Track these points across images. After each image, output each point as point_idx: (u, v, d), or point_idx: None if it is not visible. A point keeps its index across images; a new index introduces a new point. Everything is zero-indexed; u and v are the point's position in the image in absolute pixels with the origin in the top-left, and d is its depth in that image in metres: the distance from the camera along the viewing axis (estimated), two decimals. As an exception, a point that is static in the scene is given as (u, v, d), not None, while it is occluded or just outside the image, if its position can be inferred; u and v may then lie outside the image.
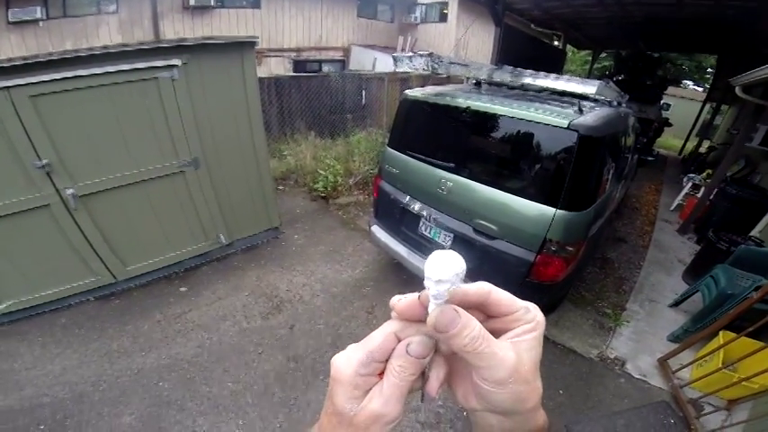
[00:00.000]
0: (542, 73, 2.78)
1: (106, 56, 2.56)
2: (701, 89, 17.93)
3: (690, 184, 6.26)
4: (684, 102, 16.78)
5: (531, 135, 2.32)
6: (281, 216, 4.36)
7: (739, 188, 4.84)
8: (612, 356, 2.96)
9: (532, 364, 0.34)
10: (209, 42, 2.94)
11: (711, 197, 5.03)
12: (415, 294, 0.36)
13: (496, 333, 0.35)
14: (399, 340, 0.35)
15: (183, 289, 3.39)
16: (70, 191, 2.72)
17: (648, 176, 8.01)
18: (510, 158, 2.56)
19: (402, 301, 0.36)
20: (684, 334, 3.07)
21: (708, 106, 11.15)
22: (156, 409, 2.34)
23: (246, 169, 3.60)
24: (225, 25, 9.76)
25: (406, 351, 0.34)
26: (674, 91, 16.69)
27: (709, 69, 15.20)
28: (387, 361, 0.35)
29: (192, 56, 2.88)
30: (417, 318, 0.35)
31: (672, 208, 6.37)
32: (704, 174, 6.35)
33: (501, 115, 2.43)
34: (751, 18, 5.23)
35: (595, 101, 2.96)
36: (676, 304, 3.58)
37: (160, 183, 3.11)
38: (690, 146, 11.17)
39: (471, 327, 0.33)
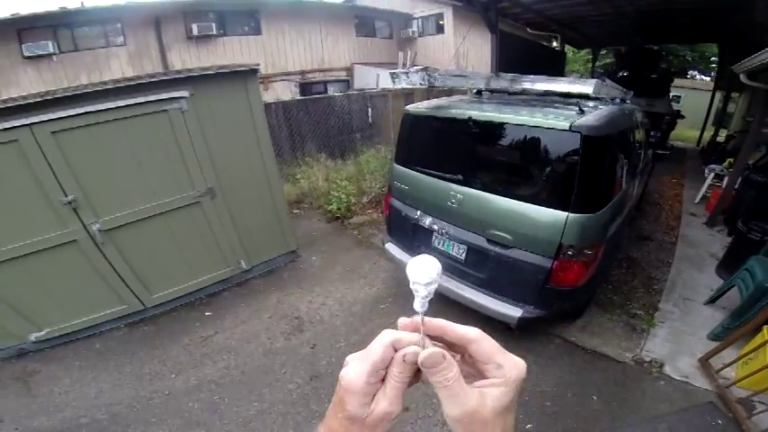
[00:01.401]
0: (540, 76, 2.79)
1: (118, 90, 2.68)
2: (708, 78, 17.48)
3: (712, 175, 6.07)
4: (695, 92, 16.39)
5: (536, 140, 2.32)
6: (299, 239, 4.44)
7: (764, 175, 4.65)
8: (649, 359, 2.83)
9: (494, 412, 0.37)
10: (212, 72, 3.05)
11: (737, 186, 4.85)
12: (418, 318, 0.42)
13: (481, 373, 0.40)
14: (396, 349, 0.40)
15: (207, 314, 3.47)
16: (96, 226, 2.86)
17: (668, 170, 7.80)
18: (517, 165, 2.56)
19: (408, 322, 0.43)
20: (724, 331, 2.92)
21: (718, 95, 10.87)
22: (187, 429, 2.40)
23: (261, 195, 3.70)
24: (229, 53, 10.11)
25: (403, 359, 0.40)
26: (683, 82, 16.35)
27: (713, 58, 14.84)
28: (386, 367, 0.41)
29: (197, 87, 2.99)
30: (415, 329, 0.41)
31: (696, 200, 6.16)
32: (726, 163, 6.15)
33: (503, 123, 2.44)
34: (745, 4, 5.13)
35: (598, 100, 2.95)
36: (712, 301, 3.42)
37: (179, 213, 3.23)
38: (707, 136, 10.86)
39: (450, 370, 0.38)
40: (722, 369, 2.58)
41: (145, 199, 3.05)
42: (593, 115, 2.30)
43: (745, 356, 2.51)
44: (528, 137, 2.35)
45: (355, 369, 0.40)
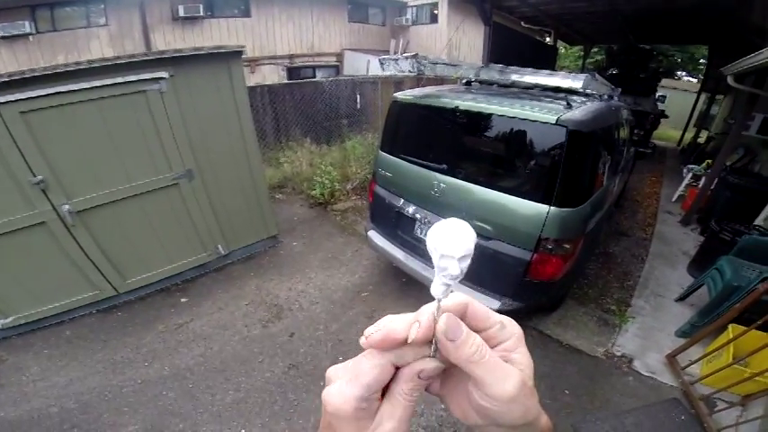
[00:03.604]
0: (529, 69, 2.77)
1: (93, 70, 2.57)
2: (695, 80, 17.84)
3: (690, 175, 6.22)
4: (680, 93, 16.68)
5: (521, 133, 2.31)
6: (280, 224, 4.37)
7: (740, 177, 4.80)
8: (619, 354, 2.91)
9: (531, 377, 0.33)
10: (195, 54, 2.95)
11: (712, 187, 4.98)
12: (410, 317, 0.33)
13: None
14: (397, 367, 0.33)
15: (183, 300, 3.39)
16: (66, 207, 2.74)
17: (648, 168, 7.98)
18: (501, 157, 2.56)
19: (420, 330, 0.32)
20: (692, 329, 3.02)
21: (703, 96, 11.11)
22: (160, 418, 2.36)
23: (241, 179, 3.61)
24: (216, 35, 9.82)
25: (419, 377, 0.33)
26: (669, 83, 16.62)
27: (701, 60, 15.12)
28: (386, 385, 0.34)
29: (178, 68, 2.90)
30: (427, 333, 0.32)
31: (673, 199, 6.32)
32: (704, 164, 6.31)
33: (490, 114, 2.42)
34: (740, 7, 5.21)
35: (586, 95, 2.96)
36: (682, 298, 3.53)
37: (155, 196, 3.13)
38: (688, 136, 11.12)
39: (474, 335, 0.32)
40: (688, 366, 2.66)
41: (119, 180, 2.93)
42: (580, 110, 2.30)
43: (710, 354, 2.59)
44: (514, 129, 2.34)
45: (342, 392, 0.32)
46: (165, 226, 3.29)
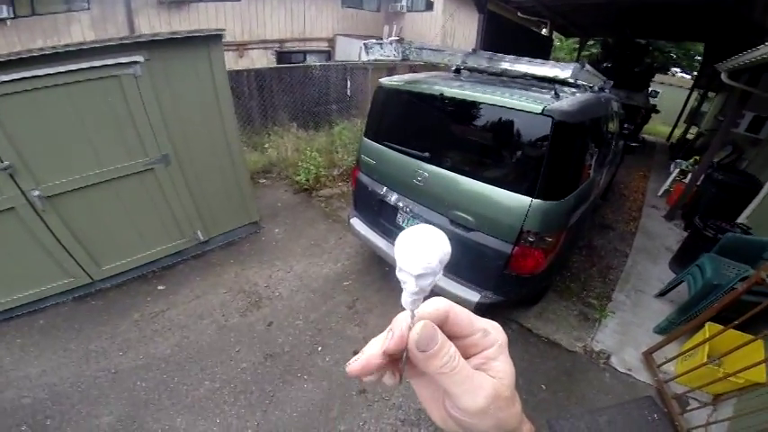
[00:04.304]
0: (519, 57, 2.69)
1: (65, 54, 2.45)
2: (689, 76, 17.90)
3: (677, 170, 6.26)
4: (672, 89, 16.80)
5: (507, 122, 2.24)
6: (262, 210, 4.29)
7: (726, 174, 4.81)
8: (597, 350, 2.92)
9: (510, 387, 0.31)
10: (172, 37, 2.83)
11: (698, 183, 5.00)
12: (375, 350, 0.33)
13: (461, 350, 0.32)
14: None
15: (160, 287, 3.31)
16: (36, 192, 2.63)
17: (637, 162, 8.01)
18: (485, 147, 2.49)
19: (391, 341, 0.32)
20: (670, 326, 3.04)
21: (695, 93, 11.16)
22: (134, 409, 2.31)
23: (221, 164, 3.51)
24: (203, 19, 9.50)
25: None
26: (662, 78, 16.68)
27: (697, 57, 15.14)
28: None
29: (155, 52, 2.78)
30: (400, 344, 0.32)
31: (659, 194, 6.36)
32: (691, 159, 6.34)
33: (476, 102, 2.34)
34: (741, 4, 5.17)
35: (576, 86, 2.90)
36: (662, 294, 3.54)
37: (130, 181, 3.01)
38: (678, 132, 11.19)
39: (448, 346, 0.30)
40: (664, 364, 2.68)
41: (92, 165, 2.82)
42: (568, 101, 2.24)
43: (685, 353, 2.60)
44: (499, 118, 2.27)
45: None
46: (140, 212, 3.19)
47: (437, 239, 0.28)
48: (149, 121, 2.92)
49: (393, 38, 2.37)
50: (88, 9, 8.44)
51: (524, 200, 2.20)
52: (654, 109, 9.79)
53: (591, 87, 2.90)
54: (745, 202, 4.44)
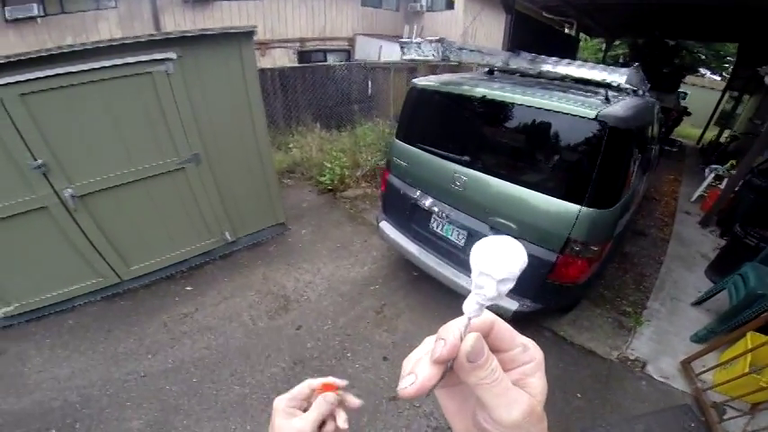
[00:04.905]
0: (564, 60, 2.58)
1: (96, 51, 2.45)
2: (718, 78, 17.32)
3: (713, 175, 6.01)
4: (701, 90, 16.29)
5: (555, 126, 2.14)
6: (288, 211, 4.27)
7: (766, 180, 4.59)
8: (633, 358, 2.82)
9: (542, 404, 0.32)
10: (204, 34, 2.81)
11: (736, 188, 4.78)
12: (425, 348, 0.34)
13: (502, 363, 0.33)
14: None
15: (188, 288, 3.31)
16: (68, 191, 2.65)
17: (667, 166, 7.72)
18: (530, 152, 2.38)
19: (445, 349, 0.31)
20: (709, 335, 2.93)
21: (727, 95, 10.76)
22: (163, 414, 2.29)
23: (250, 164, 3.49)
24: (227, 17, 9.63)
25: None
26: (690, 79, 16.14)
27: (727, 58, 14.61)
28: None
29: (187, 48, 2.76)
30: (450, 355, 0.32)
31: (692, 199, 6.12)
32: (728, 164, 6.08)
33: (520, 105, 2.25)
34: None
35: (618, 90, 2.77)
36: (699, 303, 3.40)
37: (161, 180, 3.02)
38: (709, 135, 10.81)
39: (492, 358, 0.31)
40: (703, 372, 2.60)
41: (124, 164, 2.82)
42: (620, 106, 2.13)
43: (726, 362, 2.51)
44: (546, 122, 2.17)
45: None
46: (170, 211, 3.19)
47: (519, 249, 0.29)
48: (181, 119, 2.91)
49: (432, 37, 2.29)
50: (115, 7, 8.64)
51: (572, 207, 2.10)
52: (685, 111, 9.48)
53: (635, 91, 2.76)
54: (786, 209, 4.22)
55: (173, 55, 2.71)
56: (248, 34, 3.03)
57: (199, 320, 2.97)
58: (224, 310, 3.08)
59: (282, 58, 10.48)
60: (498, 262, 0.29)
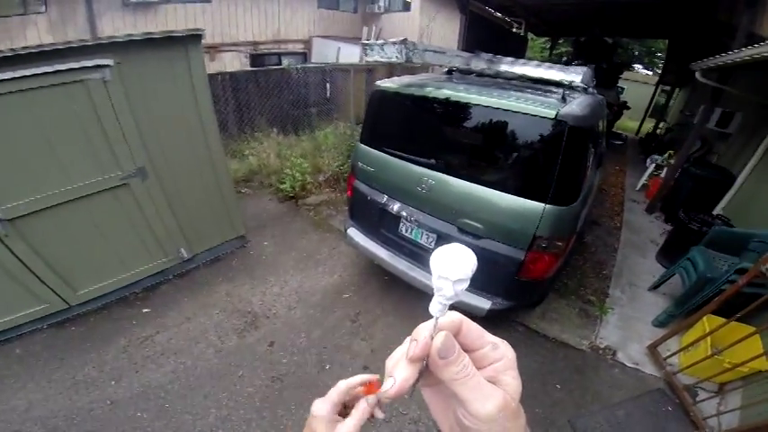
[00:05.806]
0: (520, 60, 2.65)
1: (18, 58, 2.17)
2: (650, 73, 18.82)
3: (653, 165, 6.47)
4: (636, 85, 17.55)
5: (516, 127, 2.18)
6: (248, 221, 4.07)
7: (702, 168, 5.01)
8: (603, 346, 2.94)
9: (516, 400, 0.33)
10: (146, 38, 2.59)
11: (676, 177, 5.17)
12: (416, 337, 0.35)
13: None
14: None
15: (145, 310, 3.06)
16: (-5, 215, 2.34)
17: (612, 158, 8.25)
18: (494, 153, 2.41)
19: (417, 348, 0.34)
20: (669, 318, 3.10)
21: (660, 89, 11.66)
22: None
23: (202, 175, 3.27)
24: (171, 21, 9.05)
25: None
26: (626, 75, 17.37)
27: (658, 54, 15.90)
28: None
29: (125, 54, 2.53)
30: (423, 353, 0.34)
31: (637, 188, 6.57)
32: (666, 154, 6.58)
33: (483, 106, 2.27)
34: (705, 3, 5.39)
35: (571, 88, 2.89)
36: (655, 287, 3.61)
37: (103, 197, 2.75)
38: (646, 127, 11.67)
39: (463, 355, 0.33)
40: (669, 357, 2.72)
41: (58, 182, 2.54)
42: (576, 104, 2.20)
43: (688, 346, 2.65)
44: (508, 123, 2.21)
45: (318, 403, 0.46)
46: (117, 230, 2.92)
47: (469, 254, 0.33)
48: (122, 130, 2.67)
49: (395, 39, 2.26)
50: (45, 12, 7.88)
51: (537, 206, 2.14)
52: (625, 105, 10.15)
53: (585, 89, 2.89)
54: (719, 194, 4.62)
55: (108, 61, 2.47)
56: (195, 38, 2.83)
57: (161, 343, 2.75)
58: (187, 331, 2.87)
59: (234, 62, 10.04)
60: (452, 266, 0.32)
